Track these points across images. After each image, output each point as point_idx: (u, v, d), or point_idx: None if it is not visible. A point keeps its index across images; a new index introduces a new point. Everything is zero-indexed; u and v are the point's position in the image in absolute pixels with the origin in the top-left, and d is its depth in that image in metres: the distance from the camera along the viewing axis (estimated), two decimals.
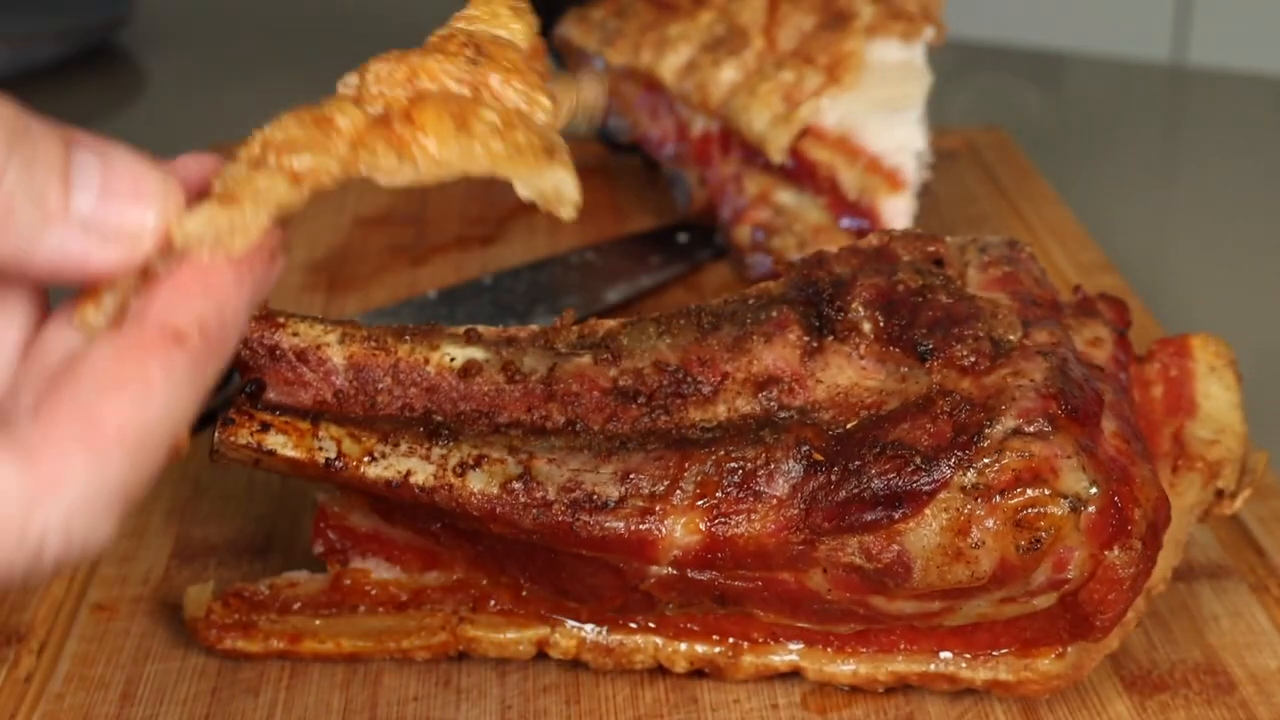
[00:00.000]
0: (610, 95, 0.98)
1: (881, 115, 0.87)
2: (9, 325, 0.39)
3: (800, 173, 0.88)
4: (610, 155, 1.03)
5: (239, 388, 0.58)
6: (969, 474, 0.53)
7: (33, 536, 0.36)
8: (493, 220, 1.00)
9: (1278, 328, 0.91)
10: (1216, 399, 0.62)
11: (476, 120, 0.41)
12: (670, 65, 0.92)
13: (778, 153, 0.87)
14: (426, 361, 0.58)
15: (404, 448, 0.56)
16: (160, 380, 0.37)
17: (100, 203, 0.37)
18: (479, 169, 0.41)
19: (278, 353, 0.58)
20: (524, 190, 0.42)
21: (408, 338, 0.59)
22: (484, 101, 0.42)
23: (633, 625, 0.60)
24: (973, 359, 0.56)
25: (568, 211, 0.42)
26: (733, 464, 0.55)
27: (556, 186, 0.42)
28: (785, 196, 0.89)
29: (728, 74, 0.90)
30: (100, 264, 0.37)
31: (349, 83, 0.43)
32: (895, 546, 0.54)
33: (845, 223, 0.87)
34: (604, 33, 0.96)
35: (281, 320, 0.58)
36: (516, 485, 0.55)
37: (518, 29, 0.45)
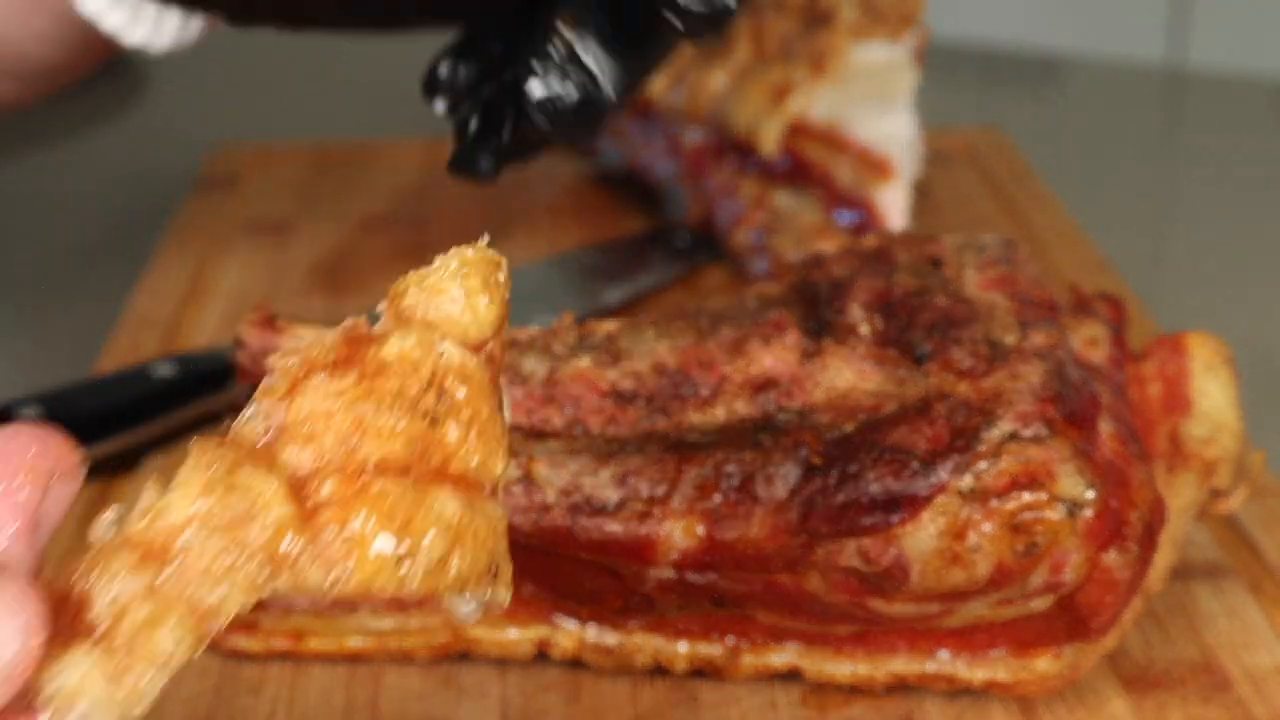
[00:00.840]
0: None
1: (869, 107, 0.87)
2: None
3: (794, 171, 0.88)
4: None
5: (240, 393, 0.58)
6: (966, 478, 0.53)
7: None
8: (493, 221, 1.00)
9: (1275, 327, 0.92)
10: (1213, 397, 0.61)
11: (420, 537, 0.35)
12: (658, 80, 0.93)
13: (769, 144, 0.87)
14: None
15: None
16: None
17: None
18: (410, 592, 0.35)
19: None
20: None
21: None
22: (429, 502, 0.35)
23: (633, 626, 0.60)
24: (970, 362, 0.56)
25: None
26: (731, 467, 0.55)
27: (491, 598, 0.37)
28: (782, 199, 0.89)
29: (716, 79, 0.90)
30: None
31: (268, 415, 0.35)
32: (893, 550, 0.54)
33: (843, 218, 0.88)
34: None
35: (281, 324, 0.58)
36: (516, 489, 0.55)
37: (488, 316, 0.38)
